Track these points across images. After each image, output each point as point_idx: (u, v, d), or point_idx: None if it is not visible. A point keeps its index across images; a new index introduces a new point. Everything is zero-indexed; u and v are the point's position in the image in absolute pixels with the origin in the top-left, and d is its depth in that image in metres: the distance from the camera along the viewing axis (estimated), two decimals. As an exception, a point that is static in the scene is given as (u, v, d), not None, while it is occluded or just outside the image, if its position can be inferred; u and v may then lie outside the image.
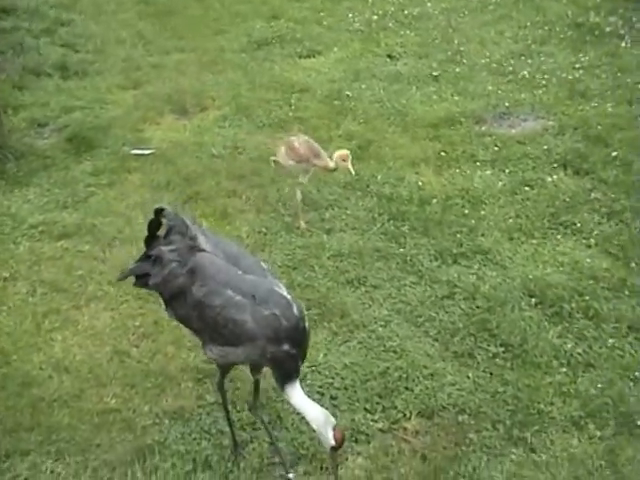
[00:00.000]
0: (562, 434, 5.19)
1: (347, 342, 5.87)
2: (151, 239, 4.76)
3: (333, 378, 5.51)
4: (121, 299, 6.31)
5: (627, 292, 6.36)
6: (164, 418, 5.26)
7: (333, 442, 4.33)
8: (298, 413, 4.75)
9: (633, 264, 6.68)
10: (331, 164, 6.97)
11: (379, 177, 7.84)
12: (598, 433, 5.19)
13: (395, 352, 5.77)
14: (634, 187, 7.67)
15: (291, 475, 4.81)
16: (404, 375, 5.56)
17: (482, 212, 7.29)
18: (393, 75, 10.07)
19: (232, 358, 4.51)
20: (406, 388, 5.48)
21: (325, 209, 7.45)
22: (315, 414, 4.42)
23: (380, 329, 5.98)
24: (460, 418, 5.28)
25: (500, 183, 7.76)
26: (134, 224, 7.18)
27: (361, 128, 8.84)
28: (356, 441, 5.07)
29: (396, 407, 5.34)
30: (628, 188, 7.66)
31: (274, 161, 7.38)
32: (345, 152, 6.98)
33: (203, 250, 4.52)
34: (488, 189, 7.66)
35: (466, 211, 7.29)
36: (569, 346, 5.83)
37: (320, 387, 5.45)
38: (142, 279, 4.75)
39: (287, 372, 4.43)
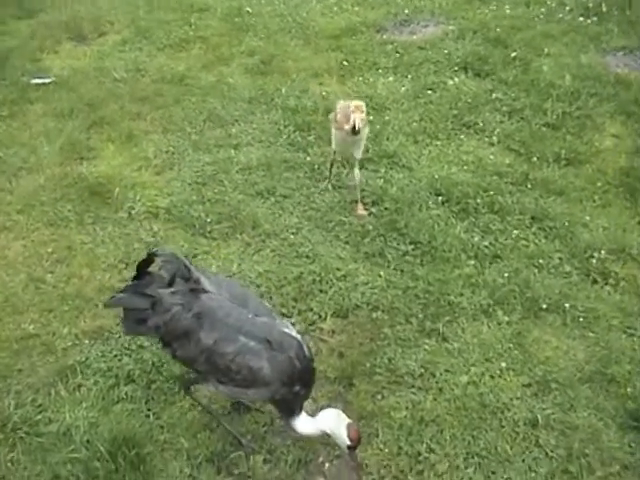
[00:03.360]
0: (472, 322, 5.40)
1: (260, 251, 5.96)
2: (140, 275, 4.45)
3: (248, 286, 5.59)
4: (32, 227, 6.25)
5: (529, 185, 6.59)
6: (84, 339, 5.28)
7: (349, 442, 4.16)
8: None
9: (534, 158, 6.91)
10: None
11: (283, 90, 7.87)
12: (506, 318, 5.42)
13: (308, 257, 5.89)
14: (533, 85, 7.89)
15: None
16: (318, 278, 5.68)
17: (386, 117, 7.39)
18: (293, -11, 10.03)
19: (238, 396, 4.44)
20: (320, 291, 5.61)
21: (231, 125, 7.47)
22: (325, 423, 4.24)
23: (292, 236, 6.08)
24: (374, 315, 5.44)
25: (403, 88, 7.88)
26: (39, 152, 7.10)
27: (263, 43, 8.83)
28: (275, 345, 5.18)
29: (312, 309, 5.48)
30: (528, 86, 7.88)
31: None
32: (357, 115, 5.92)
33: (207, 292, 4.26)
34: (391, 95, 7.78)
35: (370, 117, 7.31)
36: (476, 239, 6.03)
37: (236, 296, 5.54)
38: (135, 317, 4.41)
39: (291, 409, 4.31)
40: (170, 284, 4.30)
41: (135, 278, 4.45)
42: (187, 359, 4.33)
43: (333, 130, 6.24)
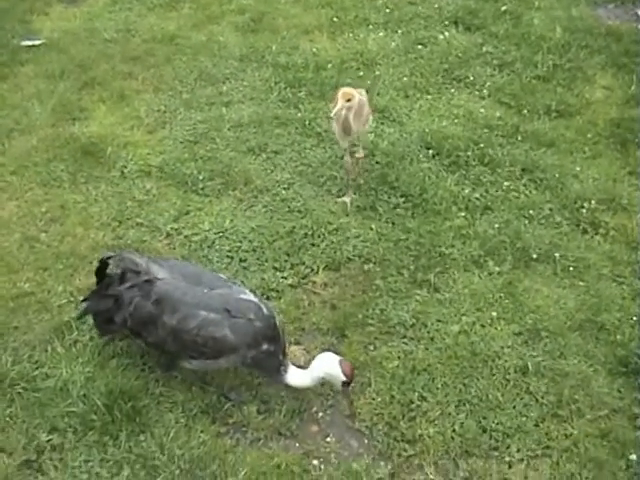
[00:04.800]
0: (463, 273, 5.46)
1: (252, 207, 5.99)
2: (101, 281, 4.77)
3: (241, 242, 5.63)
4: (25, 187, 6.26)
5: (520, 138, 6.63)
6: (78, 296, 5.28)
7: (344, 377, 4.33)
8: None
9: (525, 111, 6.95)
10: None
11: (274, 47, 7.85)
12: (497, 269, 5.48)
13: (300, 212, 5.92)
14: (524, 38, 7.91)
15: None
16: (310, 232, 5.72)
17: (377, 72, 7.41)
18: (282, -53, 9.95)
19: (213, 367, 4.57)
20: (312, 244, 5.66)
21: (222, 83, 7.46)
22: (319, 369, 4.39)
23: (284, 192, 6.11)
24: (366, 267, 5.50)
25: (393, 44, 7.88)
26: (31, 114, 7.08)
27: (253, 1, 8.77)
28: (267, 298, 5.22)
29: (304, 263, 5.52)
30: (518, 40, 7.90)
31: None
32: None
33: (160, 279, 4.50)
34: (382, 50, 7.78)
35: (361, 73, 7.40)
36: (467, 192, 6.07)
37: (229, 251, 5.58)
38: (103, 318, 4.74)
39: (271, 368, 4.50)
40: (122, 280, 4.62)
41: (98, 283, 4.79)
42: (158, 343, 4.56)
43: (334, 123, 5.79)
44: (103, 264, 4.75)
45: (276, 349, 4.45)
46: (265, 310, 4.47)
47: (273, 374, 4.53)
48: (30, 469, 4.33)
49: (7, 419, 4.54)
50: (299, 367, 4.55)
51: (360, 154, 6.22)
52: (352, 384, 4.44)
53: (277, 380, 4.55)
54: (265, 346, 4.40)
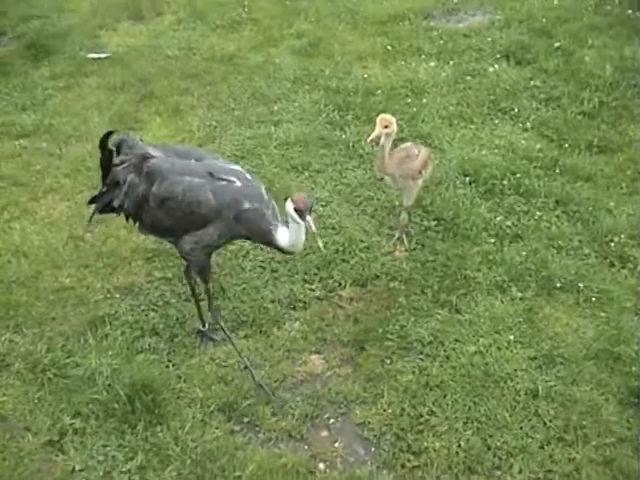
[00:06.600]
0: (486, 296, 5.58)
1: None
2: (106, 175, 4.97)
3: (274, 253, 5.79)
4: (76, 190, 6.61)
5: (558, 170, 6.72)
6: (115, 293, 5.61)
7: (293, 205, 4.38)
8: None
9: (566, 145, 7.04)
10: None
11: (327, 71, 8.12)
12: (520, 295, 5.58)
13: (334, 228, 6.12)
14: (573, 75, 8.01)
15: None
16: (341, 249, 5.92)
17: (424, 100, 7.59)
18: (346, -25, 10.23)
19: (207, 239, 4.70)
20: (343, 260, 5.85)
21: (274, 102, 7.75)
22: (288, 218, 4.51)
23: (321, 209, 6.32)
24: (391, 285, 5.66)
25: (443, 74, 8.07)
26: (90, 122, 7.46)
27: (312, 27, 9.08)
28: (294, 308, 5.44)
29: (332, 277, 5.72)
30: (567, 76, 8.01)
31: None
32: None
33: (154, 157, 4.77)
34: (431, 79, 7.98)
35: (409, 100, 7.59)
36: (499, 219, 6.19)
37: (262, 262, 5.81)
38: (107, 206, 4.97)
39: (262, 231, 4.61)
40: (118, 152, 4.92)
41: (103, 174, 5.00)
42: (155, 222, 4.83)
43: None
44: (108, 149, 4.93)
45: (261, 208, 4.59)
46: (248, 175, 4.73)
47: (266, 235, 4.64)
48: (52, 448, 4.61)
49: (36, 401, 4.85)
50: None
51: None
52: (307, 212, 4.42)
53: (271, 242, 4.67)
54: (247, 204, 4.58)
